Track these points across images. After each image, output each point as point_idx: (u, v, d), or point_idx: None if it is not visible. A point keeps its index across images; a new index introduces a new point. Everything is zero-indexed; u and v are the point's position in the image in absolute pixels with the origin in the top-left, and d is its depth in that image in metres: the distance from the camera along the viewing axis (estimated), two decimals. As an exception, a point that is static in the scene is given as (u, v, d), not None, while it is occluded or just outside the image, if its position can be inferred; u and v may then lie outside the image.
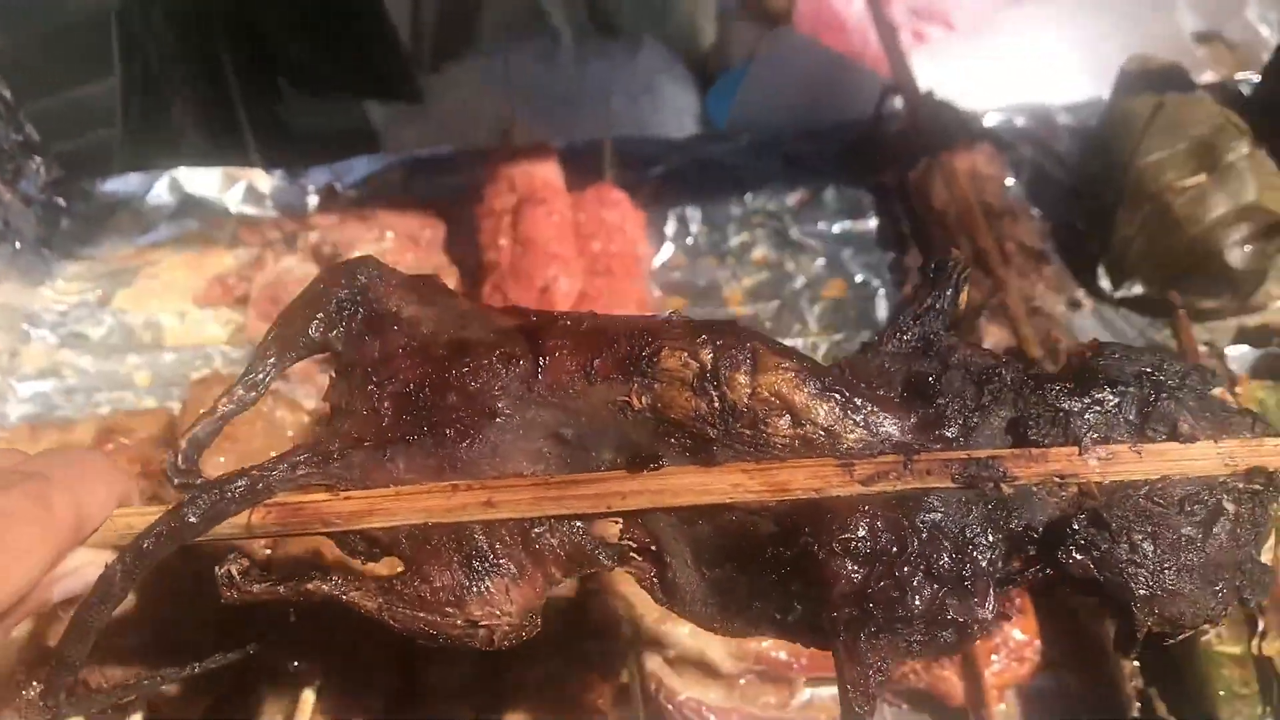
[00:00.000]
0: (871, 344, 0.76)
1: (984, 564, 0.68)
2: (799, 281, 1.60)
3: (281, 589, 0.73)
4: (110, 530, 0.72)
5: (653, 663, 1.12)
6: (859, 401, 0.71)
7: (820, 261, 1.62)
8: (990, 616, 0.67)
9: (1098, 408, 0.71)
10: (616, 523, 0.73)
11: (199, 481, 0.74)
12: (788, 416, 0.70)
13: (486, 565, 0.71)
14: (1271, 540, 0.73)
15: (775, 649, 1.14)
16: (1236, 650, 1.04)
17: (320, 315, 0.77)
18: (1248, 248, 1.44)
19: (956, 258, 0.77)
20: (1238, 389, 1.21)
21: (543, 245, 1.43)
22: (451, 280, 1.51)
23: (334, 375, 0.76)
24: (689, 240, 1.66)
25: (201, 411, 0.76)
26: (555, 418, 0.73)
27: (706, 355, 0.71)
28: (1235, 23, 2.58)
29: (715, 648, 1.13)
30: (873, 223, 1.67)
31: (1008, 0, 3.24)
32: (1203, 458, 0.70)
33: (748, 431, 0.70)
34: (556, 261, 1.42)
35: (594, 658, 1.15)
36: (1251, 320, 1.45)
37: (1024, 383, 0.73)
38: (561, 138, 1.71)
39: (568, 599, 1.18)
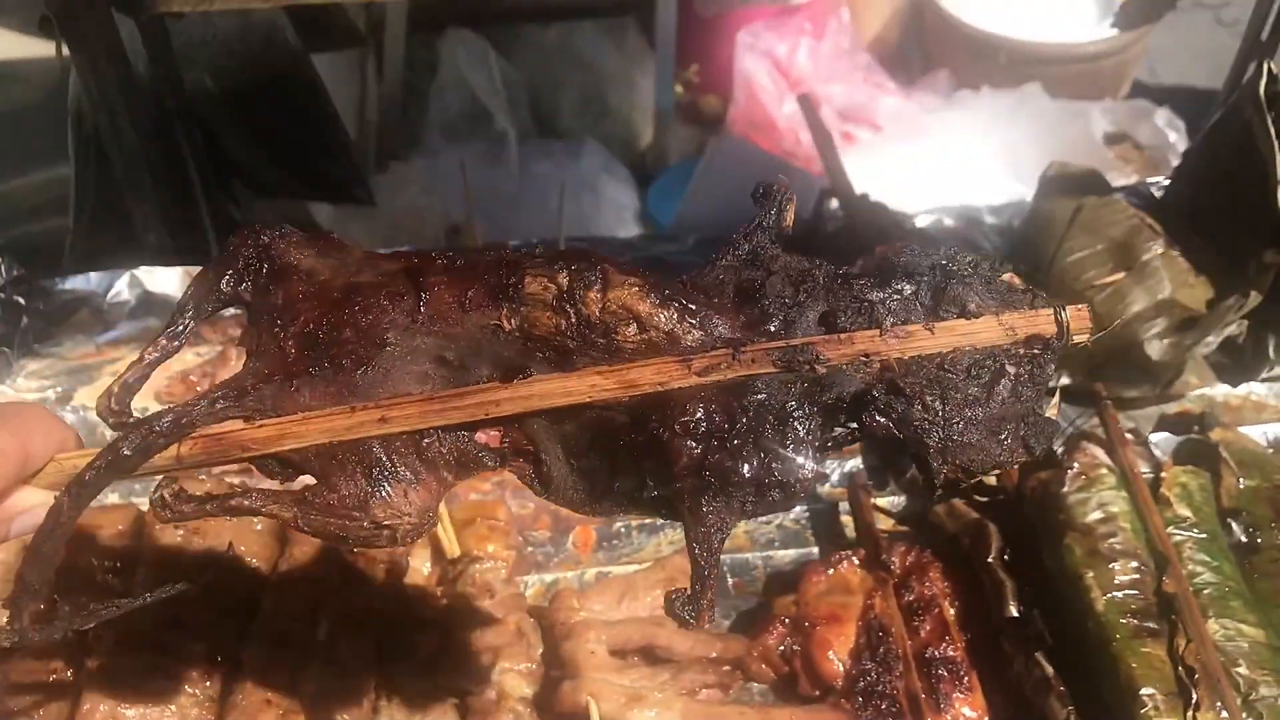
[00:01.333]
0: (710, 261, 0.87)
1: (803, 433, 0.80)
2: (747, 374, 1.67)
3: (209, 507, 0.83)
4: (59, 473, 0.82)
5: (619, 747, 1.15)
6: (694, 308, 0.83)
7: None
8: (810, 476, 0.79)
9: (897, 295, 0.82)
10: (498, 430, 0.84)
11: (130, 420, 0.83)
12: (635, 325, 0.82)
13: (385, 473, 0.81)
14: (1055, 399, 0.80)
15: (738, 731, 1.17)
16: (1173, 722, 1.10)
17: (230, 271, 0.87)
18: (1165, 341, 1.54)
19: (780, 181, 0.88)
20: (1163, 474, 1.30)
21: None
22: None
23: (246, 323, 0.87)
24: (641, 335, 1.72)
25: (131, 362, 0.86)
26: (437, 344, 0.84)
27: (563, 279, 0.82)
28: (1145, 128, 2.75)
29: (679, 732, 1.17)
30: (815, 318, 1.75)
31: (931, 105, 3.42)
32: (986, 330, 0.81)
33: (601, 340, 0.82)
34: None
35: (562, 744, 1.18)
36: (1171, 408, 1.54)
37: (835, 280, 0.84)
38: (508, 237, 1.78)
39: (536, 689, 1.21)
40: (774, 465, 0.78)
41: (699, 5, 3.52)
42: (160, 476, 0.84)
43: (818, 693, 1.23)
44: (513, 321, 0.82)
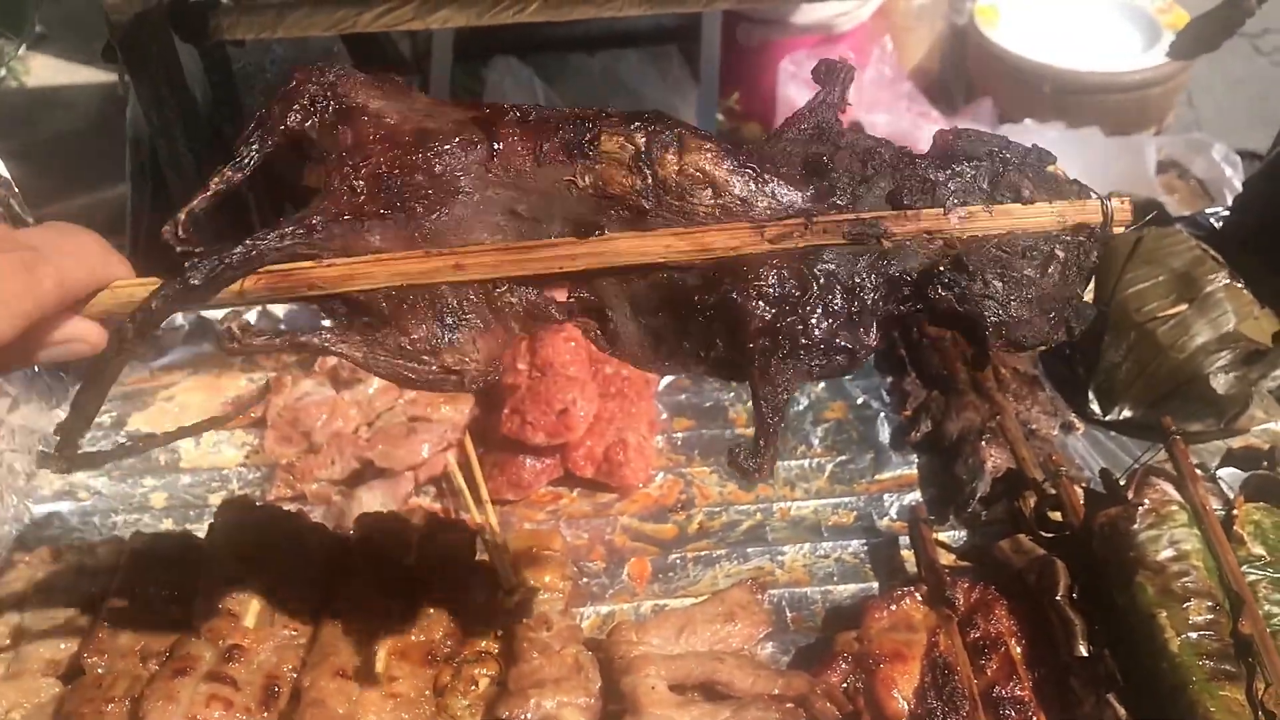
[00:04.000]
0: (775, 133, 0.89)
1: (869, 303, 0.85)
2: (802, 403, 1.65)
3: (278, 341, 0.83)
4: (113, 301, 0.81)
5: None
6: (767, 176, 0.85)
7: (821, 384, 1.68)
8: (873, 343, 0.85)
9: (958, 178, 0.87)
10: (564, 287, 0.86)
11: (199, 250, 0.82)
12: (710, 189, 0.85)
13: (457, 320, 0.83)
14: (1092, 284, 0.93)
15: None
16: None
17: (297, 107, 0.85)
18: (1231, 374, 1.52)
19: (843, 60, 0.92)
20: (1235, 511, 1.27)
21: (560, 369, 1.48)
22: (469, 402, 1.54)
23: (312, 160, 0.86)
24: (694, 364, 1.71)
25: (200, 192, 0.85)
26: (511, 196, 0.84)
27: (640, 138, 0.84)
28: (1200, 161, 2.72)
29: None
30: (870, 348, 1.73)
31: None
32: (1040, 215, 0.87)
33: (676, 203, 0.84)
34: (574, 385, 1.47)
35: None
36: (1237, 442, 1.51)
37: (900, 159, 0.88)
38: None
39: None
40: (841, 332, 0.84)
41: (741, 34, 3.53)
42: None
43: (881, 731, 1.21)
44: (587, 178, 0.83)
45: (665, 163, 0.84)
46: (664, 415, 1.63)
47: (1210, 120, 4.05)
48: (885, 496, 1.52)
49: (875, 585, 1.41)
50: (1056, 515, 1.37)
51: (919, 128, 3.38)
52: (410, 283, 0.82)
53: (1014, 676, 1.21)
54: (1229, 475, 1.46)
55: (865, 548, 1.46)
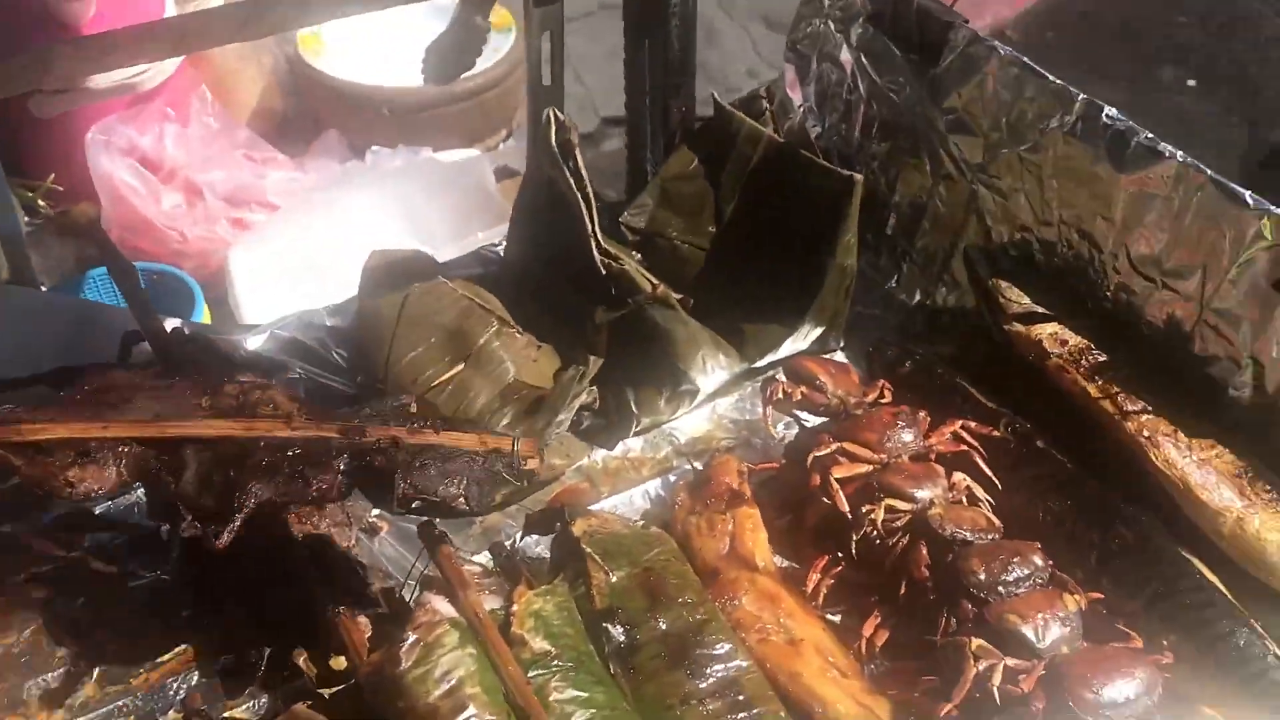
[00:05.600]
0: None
1: (343, 466, 1.13)
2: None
3: None
4: None
5: None
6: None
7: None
8: (338, 489, 1.13)
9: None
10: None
11: None
12: (273, 406, 1.21)
13: (90, 457, 1.10)
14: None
15: None
16: None
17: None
18: (517, 429, 1.41)
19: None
20: (514, 608, 1.14)
21: None
22: None
23: None
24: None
25: None
26: (158, 407, 1.19)
27: (247, 386, 1.24)
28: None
29: None
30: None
31: (328, 171, 3.19)
32: (469, 439, 1.18)
33: (250, 412, 1.18)
34: None
35: None
36: (562, 491, 1.42)
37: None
38: None
39: None
40: (320, 475, 1.12)
41: (33, 108, 3.06)
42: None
43: None
44: (206, 401, 1.20)
45: (253, 392, 1.22)
46: None
47: (603, 94, 4.16)
48: (169, 682, 1.26)
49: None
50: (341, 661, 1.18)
51: (263, 176, 3.13)
52: (74, 435, 1.10)
53: None
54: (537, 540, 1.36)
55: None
